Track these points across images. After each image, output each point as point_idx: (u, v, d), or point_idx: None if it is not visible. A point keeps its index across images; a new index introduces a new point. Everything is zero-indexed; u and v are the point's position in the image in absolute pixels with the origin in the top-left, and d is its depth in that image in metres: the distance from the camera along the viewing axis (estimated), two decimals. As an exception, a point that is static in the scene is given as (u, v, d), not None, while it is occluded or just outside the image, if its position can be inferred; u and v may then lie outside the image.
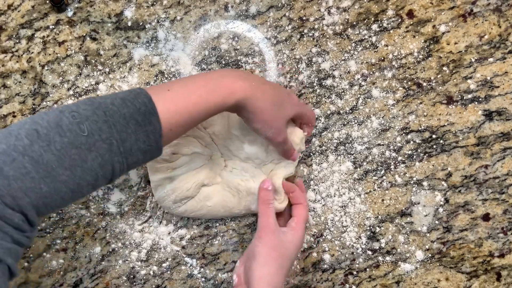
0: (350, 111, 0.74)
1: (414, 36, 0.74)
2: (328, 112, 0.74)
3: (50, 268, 0.73)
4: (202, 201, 0.69)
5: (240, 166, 0.70)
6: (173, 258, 0.74)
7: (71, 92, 0.72)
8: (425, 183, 0.74)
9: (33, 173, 0.45)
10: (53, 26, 0.72)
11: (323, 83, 0.74)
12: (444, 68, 0.74)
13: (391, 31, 0.74)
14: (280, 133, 0.62)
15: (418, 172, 0.74)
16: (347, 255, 0.75)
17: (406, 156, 0.74)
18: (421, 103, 0.74)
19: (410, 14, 0.74)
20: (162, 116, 0.52)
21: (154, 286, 0.74)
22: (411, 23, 0.74)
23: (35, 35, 0.71)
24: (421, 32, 0.74)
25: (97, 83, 0.72)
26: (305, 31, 0.73)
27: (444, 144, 0.74)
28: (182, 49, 0.73)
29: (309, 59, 0.74)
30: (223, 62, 0.73)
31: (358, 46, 0.74)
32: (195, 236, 0.75)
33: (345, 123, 0.74)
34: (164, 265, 0.74)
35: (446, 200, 0.74)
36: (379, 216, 0.74)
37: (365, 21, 0.74)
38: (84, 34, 0.72)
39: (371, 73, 0.74)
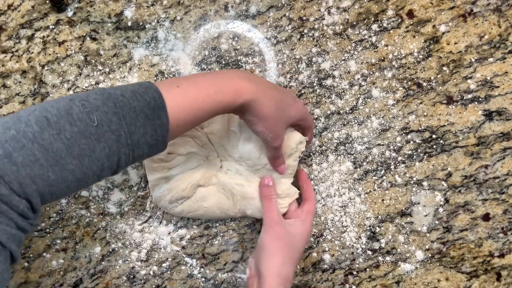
0: (350, 111, 0.74)
1: (414, 36, 0.74)
2: (328, 112, 0.74)
3: (50, 268, 0.73)
4: (198, 202, 0.69)
5: (234, 168, 0.70)
6: (173, 258, 0.74)
7: (71, 92, 0.72)
8: (425, 183, 0.74)
9: (42, 161, 0.45)
10: (53, 26, 0.72)
11: (323, 83, 0.74)
12: (444, 68, 0.74)
13: (391, 31, 0.74)
14: (278, 138, 0.63)
15: (418, 172, 0.74)
16: (347, 255, 0.75)
17: (406, 156, 0.74)
18: (421, 103, 0.74)
19: (410, 14, 0.74)
20: (170, 112, 0.52)
21: (154, 286, 0.74)
22: (411, 23, 0.74)
23: (35, 35, 0.71)
24: (421, 32, 0.74)
25: (97, 83, 0.72)
26: (305, 31, 0.73)
27: (444, 144, 0.74)
28: (182, 49, 0.73)
29: (309, 59, 0.74)
30: (223, 62, 0.73)
31: (358, 46, 0.74)
32: (195, 236, 0.75)
33: (345, 123, 0.74)
34: (164, 265, 0.74)
35: (446, 200, 0.74)
36: (379, 216, 0.74)
37: (365, 21, 0.74)
38: (84, 34, 0.72)
39: (371, 73, 0.74)
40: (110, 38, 0.72)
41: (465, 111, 0.74)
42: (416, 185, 0.74)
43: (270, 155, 0.66)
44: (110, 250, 0.74)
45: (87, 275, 0.74)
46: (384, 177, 0.74)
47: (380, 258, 0.75)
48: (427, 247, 0.74)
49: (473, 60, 0.74)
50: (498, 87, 0.74)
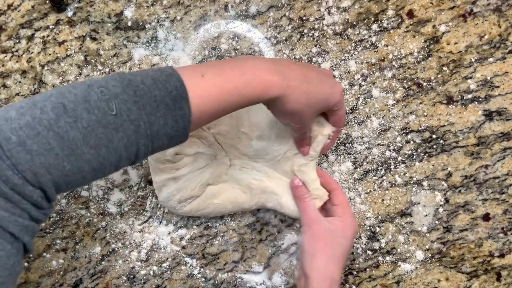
0: (350, 111, 0.74)
1: (414, 36, 0.74)
2: (328, 112, 0.74)
3: (50, 268, 0.73)
4: (208, 199, 0.69)
5: (250, 165, 0.70)
6: (173, 258, 0.74)
7: (71, 92, 0.72)
8: (425, 183, 0.74)
9: (57, 150, 0.44)
10: (53, 26, 0.72)
11: (323, 83, 0.74)
12: (444, 68, 0.74)
13: (391, 31, 0.74)
14: (305, 128, 0.61)
15: (418, 172, 0.74)
16: (347, 255, 0.75)
17: (406, 156, 0.74)
18: (421, 103, 0.74)
19: (410, 14, 0.74)
20: (192, 102, 0.49)
21: (154, 286, 0.74)
22: (411, 23, 0.74)
23: (35, 35, 0.71)
24: (421, 32, 0.74)
25: (97, 83, 0.72)
26: (305, 31, 0.73)
27: (444, 144, 0.74)
28: (182, 49, 0.73)
29: (309, 59, 0.74)
30: (223, 62, 0.73)
31: (358, 46, 0.74)
32: (195, 236, 0.75)
33: (345, 123, 0.74)
34: (164, 265, 0.74)
35: (446, 200, 0.74)
36: (379, 216, 0.74)
37: (365, 21, 0.74)
38: (84, 34, 0.72)
39: (371, 73, 0.74)
40: (110, 38, 0.72)
41: (465, 111, 0.74)
42: (416, 185, 0.74)
43: (296, 137, 0.64)
44: (110, 250, 0.74)
45: (87, 275, 0.74)
46: (384, 177, 0.74)
47: (380, 258, 0.75)
48: (427, 247, 0.74)
49: (473, 60, 0.74)
50: (498, 87, 0.74)
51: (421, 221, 0.74)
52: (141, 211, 0.74)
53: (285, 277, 0.75)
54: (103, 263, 0.74)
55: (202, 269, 0.75)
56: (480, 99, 0.74)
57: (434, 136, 0.74)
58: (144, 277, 0.74)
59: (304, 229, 0.65)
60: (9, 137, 0.43)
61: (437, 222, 0.74)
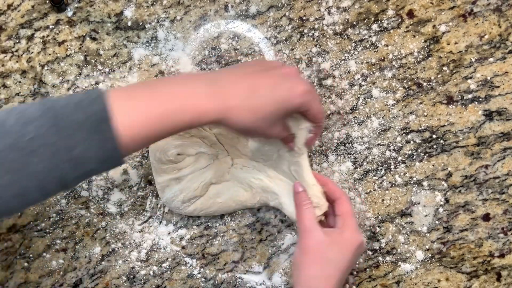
0: (350, 111, 0.74)
1: (414, 36, 0.74)
2: (328, 112, 0.74)
3: (50, 268, 0.73)
4: (212, 199, 0.70)
5: (251, 165, 0.70)
6: (173, 258, 0.74)
7: (71, 92, 0.72)
8: (425, 183, 0.74)
9: None
10: (53, 26, 0.72)
11: (323, 83, 0.74)
12: (444, 68, 0.74)
13: (391, 31, 0.74)
14: (272, 135, 0.57)
15: (418, 172, 0.74)
16: (347, 255, 0.75)
17: (406, 156, 0.74)
18: (421, 103, 0.74)
19: (410, 14, 0.74)
20: (119, 126, 0.47)
21: (154, 286, 0.74)
22: (411, 23, 0.74)
23: (35, 35, 0.71)
24: (421, 32, 0.74)
25: (97, 83, 0.72)
26: (305, 31, 0.73)
27: (444, 144, 0.74)
28: (182, 49, 0.73)
29: (309, 59, 0.74)
30: (223, 62, 0.73)
31: (358, 46, 0.74)
32: (195, 236, 0.75)
33: (345, 123, 0.74)
34: (164, 265, 0.74)
35: (446, 200, 0.74)
36: (379, 216, 0.74)
37: (365, 21, 0.74)
38: (84, 34, 0.72)
39: (371, 73, 0.74)
40: (110, 38, 0.72)
41: (465, 111, 0.74)
42: (416, 185, 0.74)
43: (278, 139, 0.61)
44: (110, 250, 0.74)
45: (87, 275, 0.74)
46: (384, 177, 0.74)
47: (380, 258, 0.75)
48: (427, 247, 0.74)
49: (473, 60, 0.74)
50: (498, 87, 0.74)
51: (421, 221, 0.74)
52: (141, 211, 0.74)
53: (285, 277, 0.75)
54: (103, 263, 0.74)
55: (202, 269, 0.75)
56: (480, 99, 0.74)
57: (434, 136, 0.74)
58: (144, 277, 0.74)
59: (297, 239, 0.61)
60: None
61: (437, 222, 0.74)
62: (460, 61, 0.74)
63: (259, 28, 0.73)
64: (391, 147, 0.74)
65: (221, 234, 0.75)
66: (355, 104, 0.74)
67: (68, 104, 0.47)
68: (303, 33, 0.73)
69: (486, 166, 0.74)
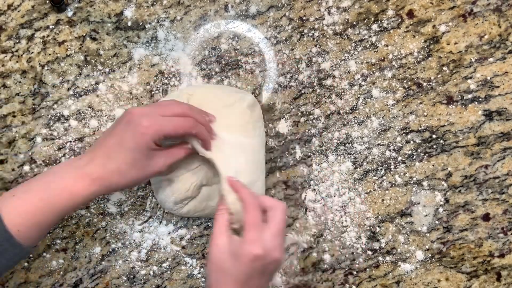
0: (350, 111, 0.74)
1: (414, 36, 0.74)
2: (328, 112, 0.74)
3: (50, 268, 0.73)
4: (204, 201, 0.69)
5: None
6: (173, 258, 0.74)
7: (71, 92, 0.72)
8: (425, 183, 0.74)
9: None
10: (53, 26, 0.72)
11: (323, 83, 0.74)
12: (444, 68, 0.74)
13: (391, 31, 0.74)
14: (159, 169, 0.60)
15: (418, 172, 0.74)
16: (347, 255, 0.75)
17: (406, 156, 0.74)
18: (421, 103, 0.74)
19: (410, 14, 0.74)
20: (7, 218, 0.54)
21: (154, 286, 0.74)
22: (411, 23, 0.74)
23: (35, 35, 0.71)
24: (421, 32, 0.74)
25: (97, 83, 0.72)
26: (305, 31, 0.73)
27: (444, 144, 0.74)
28: (182, 49, 0.73)
29: (309, 59, 0.74)
30: (223, 62, 0.73)
31: (358, 46, 0.74)
32: (195, 236, 0.75)
33: (345, 123, 0.74)
34: (164, 265, 0.74)
35: (446, 200, 0.74)
36: (379, 216, 0.74)
37: (365, 21, 0.74)
38: (84, 34, 0.72)
39: (371, 73, 0.74)
40: (110, 38, 0.72)
41: (465, 111, 0.74)
42: (416, 185, 0.74)
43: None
44: (110, 250, 0.74)
45: (87, 275, 0.74)
46: (384, 177, 0.74)
47: (380, 258, 0.75)
48: (427, 247, 0.74)
49: (473, 60, 0.74)
50: (498, 87, 0.74)
51: (421, 221, 0.74)
52: (141, 211, 0.74)
53: (285, 277, 0.75)
54: (103, 263, 0.74)
55: (202, 269, 0.75)
56: (480, 99, 0.74)
57: (434, 136, 0.74)
58: (144, 277, 0.74)
59: None
60: None
61: (437, 222, 0.74)
62: (460, 61, 0.74)
63: (259, 28, 0.73)
64: (391, 147, 0.74)
65: (221, 234, 0.75)
66: (355, 104, 0.74)
67: None
68: (303, 33, 0.73)
69: (486, 166, 0.74)
